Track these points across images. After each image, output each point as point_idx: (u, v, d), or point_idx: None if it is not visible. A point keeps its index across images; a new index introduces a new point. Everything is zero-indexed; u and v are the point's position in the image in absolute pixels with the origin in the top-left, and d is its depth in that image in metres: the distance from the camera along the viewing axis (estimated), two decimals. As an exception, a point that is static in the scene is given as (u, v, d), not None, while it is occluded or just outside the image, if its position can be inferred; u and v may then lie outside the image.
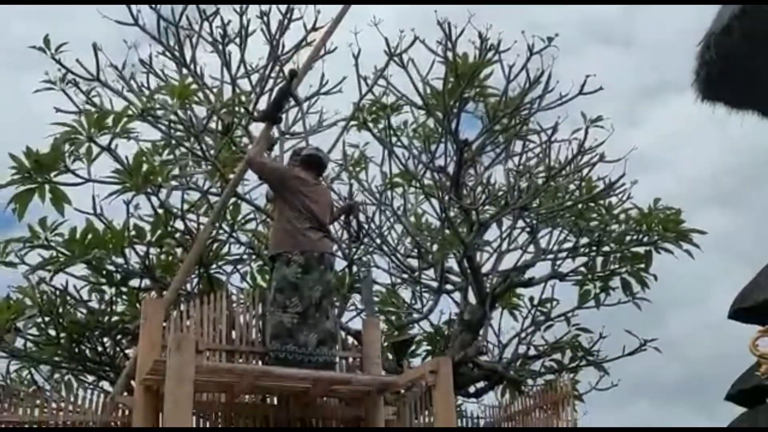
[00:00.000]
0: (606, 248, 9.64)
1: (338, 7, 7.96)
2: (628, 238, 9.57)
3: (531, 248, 9.83)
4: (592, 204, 9.61)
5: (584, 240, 9.70)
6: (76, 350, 8.38)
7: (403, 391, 7.70)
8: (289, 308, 6.77)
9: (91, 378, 8.88)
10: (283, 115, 7.88)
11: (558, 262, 9.80)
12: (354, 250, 9.28)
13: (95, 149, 7.64)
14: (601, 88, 8.75)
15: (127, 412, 6.47)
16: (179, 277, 7.25)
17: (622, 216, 9.61)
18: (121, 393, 6.73)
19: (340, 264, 8.84)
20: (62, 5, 12.05)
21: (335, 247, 8.27)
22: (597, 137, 9.12)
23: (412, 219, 10.12)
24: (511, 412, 7.89)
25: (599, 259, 9.75)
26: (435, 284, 9.67)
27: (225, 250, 8.95)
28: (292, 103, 8.05)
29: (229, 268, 8.98)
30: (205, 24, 9.50)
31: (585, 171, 9.44)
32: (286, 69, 8.61)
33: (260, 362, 6.84)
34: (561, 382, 7.69)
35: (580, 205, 9.47)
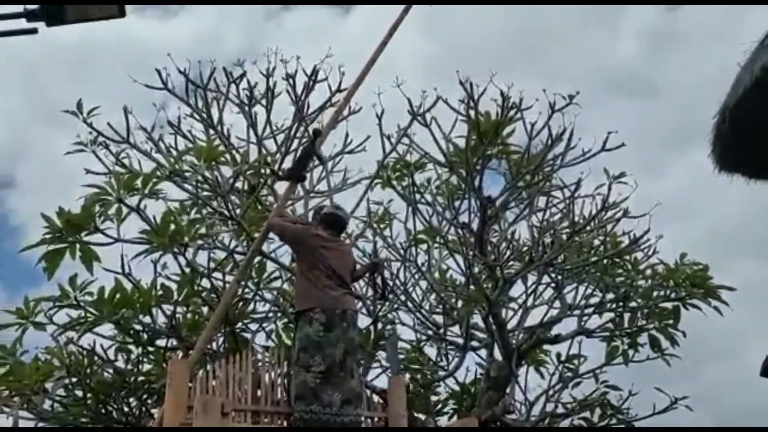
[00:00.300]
0: (633, 304, 9.55)
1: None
2: (655, 293, 9.48)
3: (557, 304, 9.77)
4: (618, 259, 9.55)
5: (611, 296, 9.62)
6: (103, 411, 8.41)
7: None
8: (312, 367, 6.74)
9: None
10: (308, 174, 7.99)
11: (585, 318, 9.71)
12: (379, 306, 9.28)
13: (124, 209, 7.80)
14: (623, 144, 8.80)
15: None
16: (205, 336, 7.28)
17: (649, 271, 9.54)
18: (146, 454, 6.74)
19: (364, 321, 8.86)
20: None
21: (359, 304, 8.28)
22: (621, 192, 9.13)
23: (437, 275, 10.11)
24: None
25: (626, 315, 9.65)
26: (460, 341, 9.61)
27: (250, 308, 9.00)
28: (317, 162, 8.15)
29: (254, 327, 9.03)
30: (232, 86, 9.72)
31: (609, 226, 9.42)
32: (311, 128, 8.75)
33: (285, 422, 6.81)
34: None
35: (605, 261, 9.43)
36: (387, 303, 9.39)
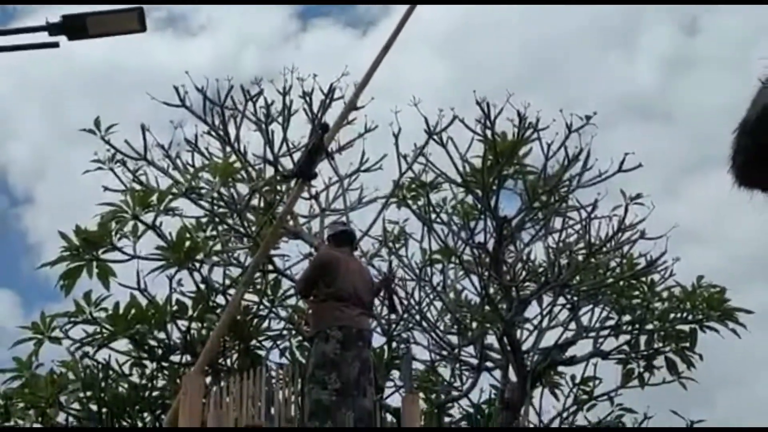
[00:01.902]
0: (649, 326, 9.47)
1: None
2: (671, 316, 9.40)
3: (572, 325, 9.71)
4: (634, 281, 9.48)
5: (627, 318, 9.54)
6: (117, 425, 8.40)
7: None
8: (327, 385, 6.75)
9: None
10: (317, 171, 7.86)
11: (600, 340, 9.65)
12: (393, 326, 9.26)
13: (140, 226, 7.84)
14: (640, 165, 8.75)
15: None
16: (211, 342, 7.26)
17: (665, 294, 9.47)
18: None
19: (379, 340, 8.83)
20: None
21: (374, 323, 8.27)
22: (637, 213, 9.07)
23: (452, 295, 10.08)
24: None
25: (642, 338, 9.57)
26: (475, 361, 9.56)
27: (265, 325, 9.00)
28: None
29: (268, 344, 9.02)
30: (249, 104, 9.74)
31: (626, 248, 9.36)
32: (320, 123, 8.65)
33: (298, 440, 6.79)
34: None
35: (621, 282, 9.36)
36: (401, 321, 9.37)
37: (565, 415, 9.78)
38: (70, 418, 8.45)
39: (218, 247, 8.57)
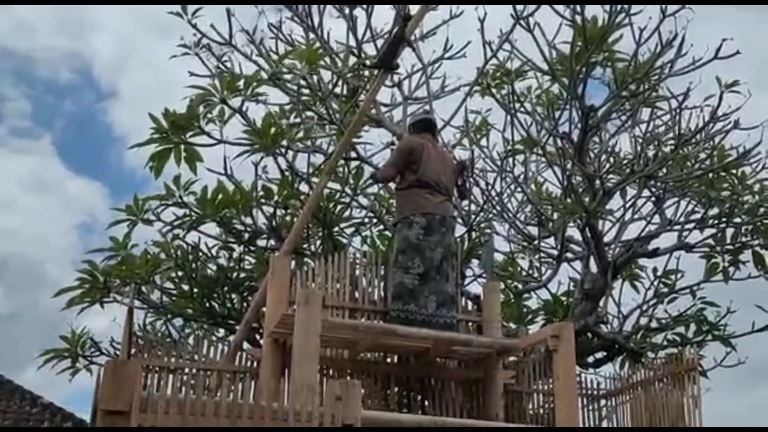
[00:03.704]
0: (737, 220, 9.22)
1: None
2: (762, 209, 9.13)
3: (656, 218, 9.56)
4: (724, 173, 9.19)
5: (714, 211, 9.32)
6: (207, 305, 8.76)
7: (522, 355, 7.72)
8: (410, 269, 6.89)
9: (219, 332, 9.29)
10: (399, 62, 7.82)
11: (684, 233, 9.48)
12: (474, 216, 9.28)
13: (227, 111, 7.94)
14: (738, 52, 8.31)
15: (255, 364, 6.75)
16: (297, 226, 7.45)
17: (757, 186, 9.17)
18: (241, 340, 7.04)
19: (459, 229, 8.86)
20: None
21: (455, 212, 8.30)
22: (731, 104, 8.69)
23: (533, 187, 10.00)
24: (632, 382, 7.73)
25: (729, 231, 9.35)
26: (555, 252, 9.54)
27: (347, 213, 9.13)
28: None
29: (350, 231, 9.18)
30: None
31: (717, 139, 9.05)
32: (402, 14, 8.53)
33: (381, 321, 6.99)
34: (686, 353, 7.49)
35: (710, 175, 9.09)
36: (481, 212, 9.38)
37: (644, 307, 9.76)
38: (164, 296, 8.86)
39: (302, 134, 8.63)
